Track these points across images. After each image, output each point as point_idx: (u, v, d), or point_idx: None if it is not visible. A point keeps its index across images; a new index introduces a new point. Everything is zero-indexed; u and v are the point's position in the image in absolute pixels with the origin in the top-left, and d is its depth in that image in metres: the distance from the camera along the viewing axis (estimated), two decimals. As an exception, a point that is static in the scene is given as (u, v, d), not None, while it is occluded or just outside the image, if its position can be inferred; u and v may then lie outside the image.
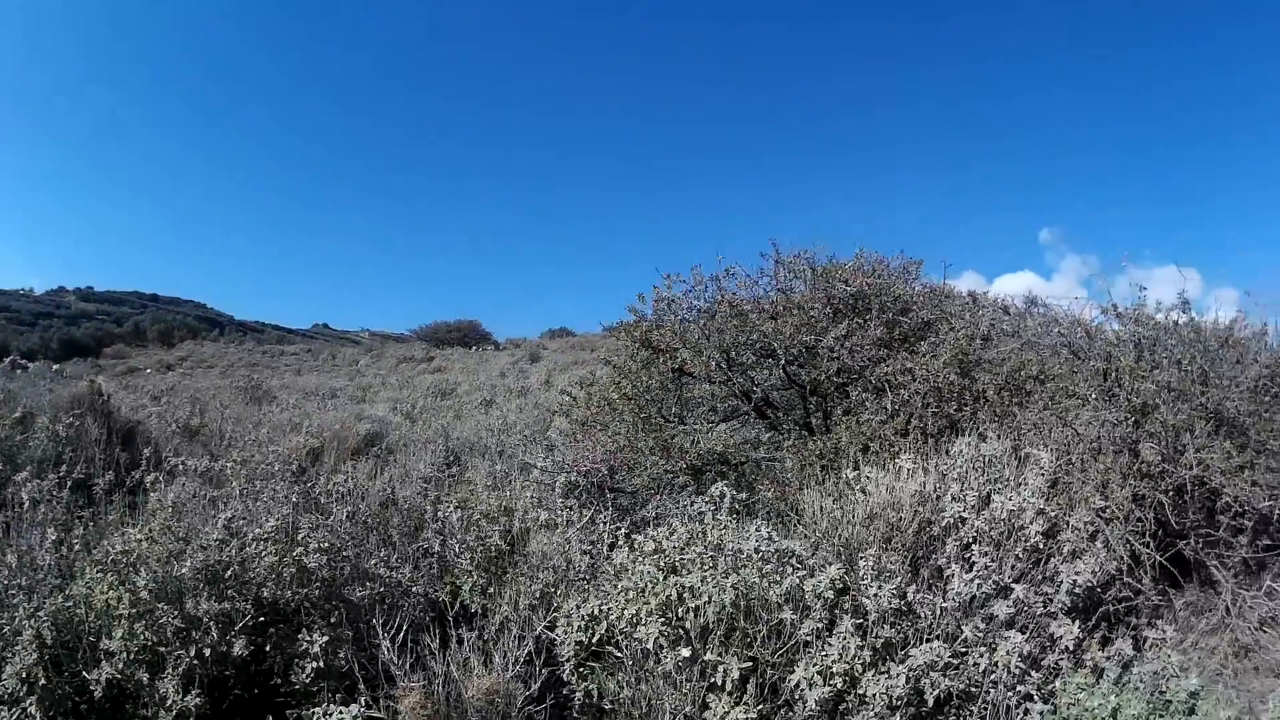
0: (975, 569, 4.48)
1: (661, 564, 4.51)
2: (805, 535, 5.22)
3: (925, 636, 4.35)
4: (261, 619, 4.61)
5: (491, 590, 5.03)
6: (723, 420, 8.09)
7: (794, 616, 4.26)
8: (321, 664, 4.41)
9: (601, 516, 5.70)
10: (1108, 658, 4.52)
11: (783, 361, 7.29)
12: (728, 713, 4.13)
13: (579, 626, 4.53)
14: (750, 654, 4.28)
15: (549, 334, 46.21)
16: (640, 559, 4.64)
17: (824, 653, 4.16)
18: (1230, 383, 5.88)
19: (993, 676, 4.32)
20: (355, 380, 27.18)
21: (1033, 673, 4.42)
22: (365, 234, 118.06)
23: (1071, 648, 4.48)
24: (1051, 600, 4.58)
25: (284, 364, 36.98)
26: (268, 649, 4.53)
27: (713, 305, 7.75)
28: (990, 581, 4.49)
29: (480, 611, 4.90)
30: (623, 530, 5.51)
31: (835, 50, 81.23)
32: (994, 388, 6.57)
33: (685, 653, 4.22)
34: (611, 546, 5.36)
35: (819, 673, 4.11)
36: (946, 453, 5.44)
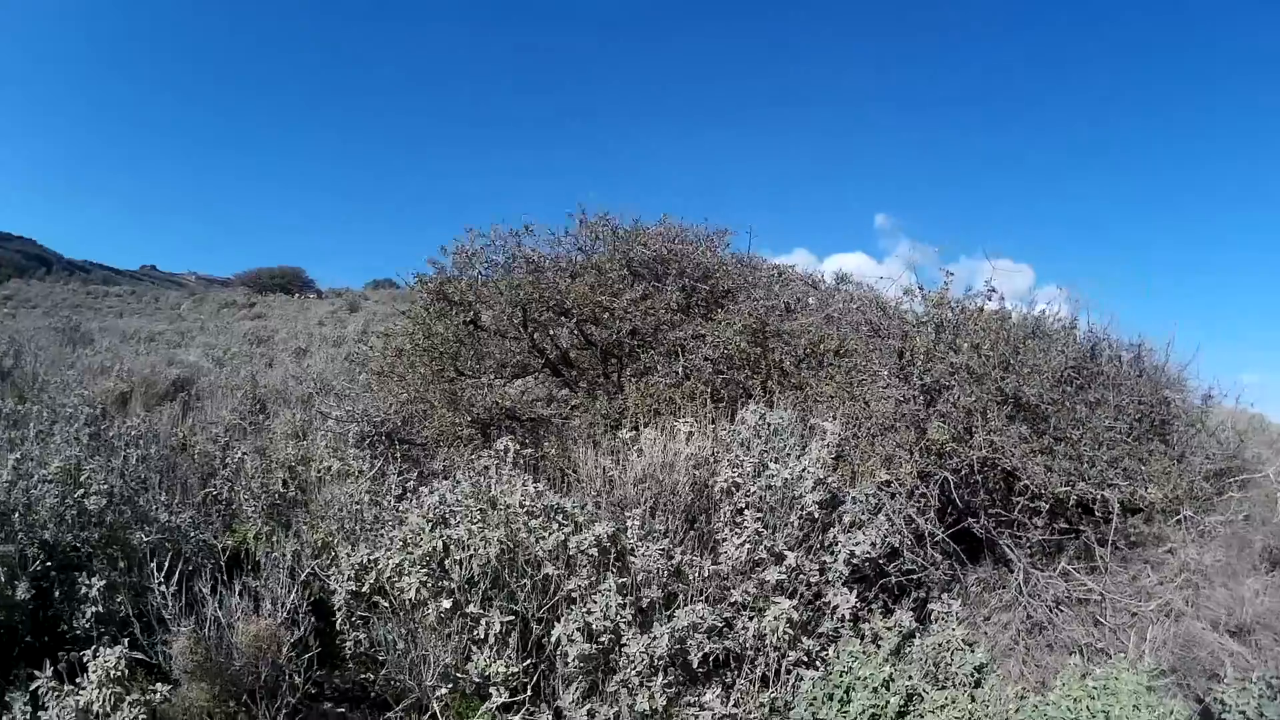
0: (746, 534, 4.47)
1: (430, 515, 4.43)
2: (583, 493, 5.17)
3: (693, 598, 4.35)
4: (48, 563, 4.50)
5: (276, 538, 4.96)
6: (516, 376, 8.04)
7: (558, 572, 4.24)
8: (101, 608, 4.33)
9: (391, 468, 5.63)
10: (888, 628, 4.54)
11: (575, 320, 7.26)
12: (489, 665, 4.10)
13: (349, 576, 4.46)
14: (514, 608, 4.25)
15: (372, 284, 45.17)
16: (411, 510, 4.58)
17: (586, 609, 4.12)
18: (1031, 371, 5.96)
19: (769, 641, 4.31)
20: (175, 324, 26.12)
21: (805, 639, 4.43)
22: (195, 175, 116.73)
23: (848, 616, 4.50)
24: (829, 569, 4.58)
25: (107, 306, 35.39)
26: (55, 594, 4.43)
27: (510, 261, 7.69)
28: (763, 547, 4.48)
29: (265, 559, 4.82)
30: (411, 482, 5.45)
31: (669, 14, 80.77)
32: (791, 359, 6.59)
33: (447, 604, 4.18)
34: (400, 498, 5.29)
35: (580, 629, 4.08)
36: (731, 419, 5.45)
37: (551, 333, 7.69)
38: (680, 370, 6.64)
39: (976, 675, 4.57)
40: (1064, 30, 66.67)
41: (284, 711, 4.15)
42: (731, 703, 4.32)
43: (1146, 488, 5.97)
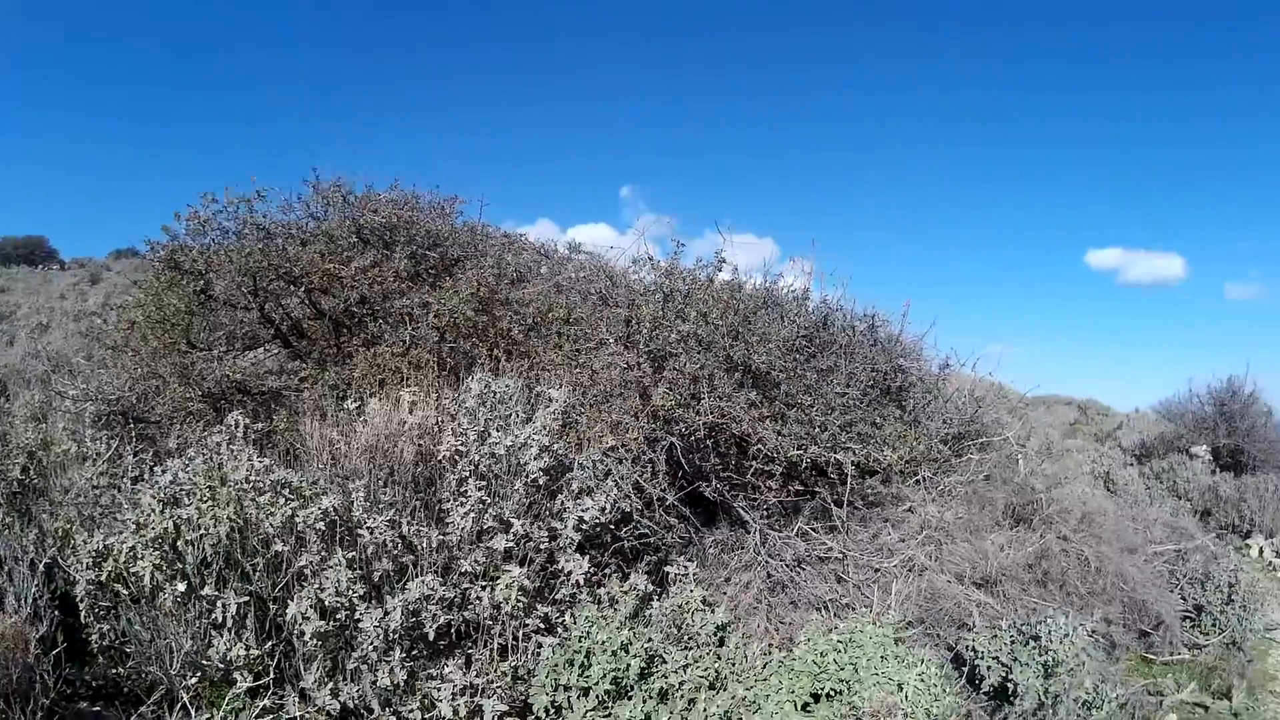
0: (470, 503, 4.57)
1: (162, 495, 4.38)
2: (313, 466, 5.17)
3: (424, 570, 4.44)
4: None
5: (16, 529, 4.90)
6: (248, 348, 7.85)
7: (289, 548, 4.27)
8: None
9: (128, 448, 5.57)
10: (624, 592, 4.73)
11: (304, 289, 7.17)
12: (229, 649, 4.11)
13: (88, 564, 4.37)
14: (250, 588, 4.27)
15: (115, 254, 42.78)
16: (144, 491, 4.51)
17: (318, 586, 4.17)
18: (761, 339, 6.23)
19: (505, 610, 4.45)
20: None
21: (541, 606, 4.59)
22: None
23: (583, 582, 4.66)
24: (560, 535, 4.74)
25: None
26: None
27: (242, 228, 7.42)
28: (490, 516, 4.61)
29: (5, 552, 4.73)
30: (148, 462, 5.40)
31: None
32: (520, 328, 6.73)
33: (181, 587, 4.16)
34: (136, 479, 5.20)
35: (313, 606, 4.13)
36: (457, 387, 5.57)
37: (283, 302, 7.55)
38: (407, 339, 6.65)
39: (719, 634, 4.80)
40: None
41: (39, 714, 4.00)
42: (473, 673, 4.41)
43: (881, 451, 6.36)
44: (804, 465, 6.23)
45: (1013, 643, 5.75)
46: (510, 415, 5.17)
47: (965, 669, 5.86)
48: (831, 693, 4.82)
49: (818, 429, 6.16)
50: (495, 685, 4.46)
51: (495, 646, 4.55)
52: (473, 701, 4.34)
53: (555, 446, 4.93)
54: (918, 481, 7.04)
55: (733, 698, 4.42)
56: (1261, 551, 13.40)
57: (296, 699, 4.30)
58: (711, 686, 4.52)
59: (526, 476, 4.76)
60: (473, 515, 4.57)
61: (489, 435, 4.86)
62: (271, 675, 4.26)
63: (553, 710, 4.29)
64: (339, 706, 4.29)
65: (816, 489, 6.56)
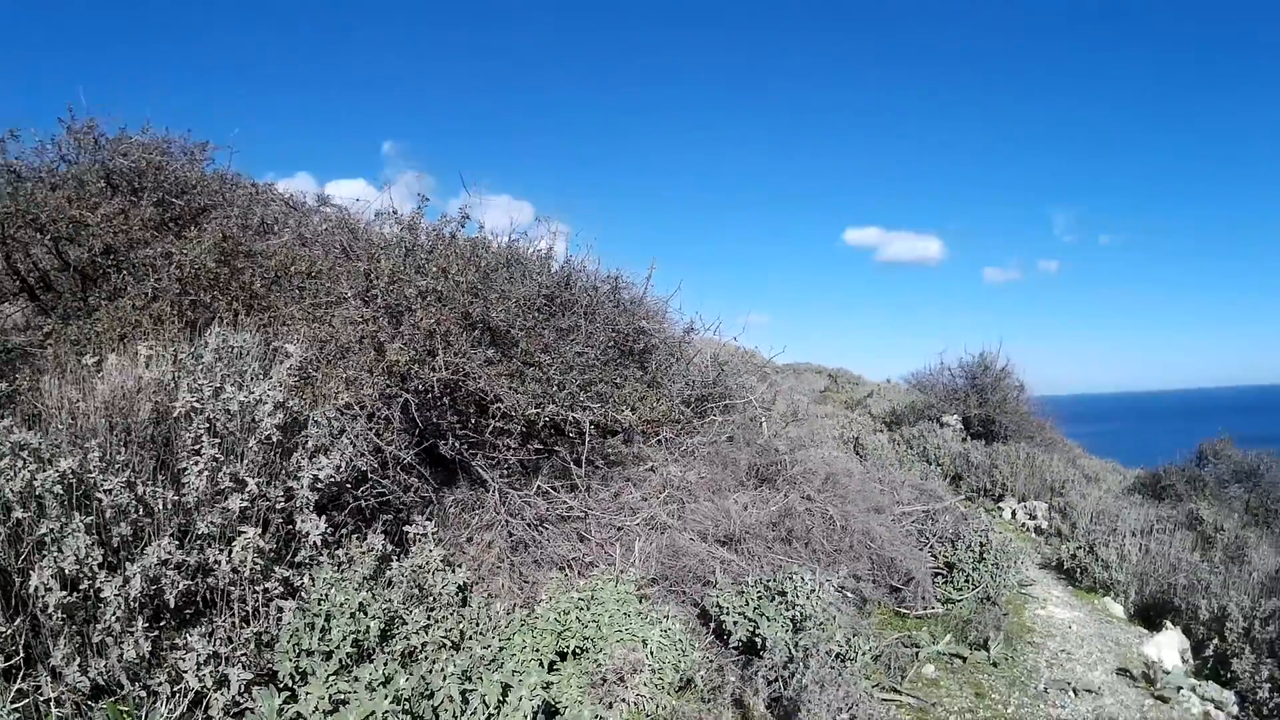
0: (204, 461, 4.63)
1: None
2: (54, 427, 4.96)
3: (161, 533, 4.49)
4: None
5: None
6: None
7: (29, 515, 4.21)
8: None
9: None
10: (362, 553, 4.92)
11: (50, 237, 6.96)
12: None
13: None
14: (-7, 561, 4.23)
15: None
16: None
17: (57, 552, 4.17)
18: (501, 297, 6.60)
19: (244, 575, 4.56)
20: None
21: (280, 569, 4.74)
22: None
23: (320, 543, 4.80)
24: (296, 495, 4.86)
25: None
26: None
27: None
28: (225, 474, 4.67)
29: None
30: None
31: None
32: (262, 281, 6.73)
33: None
34: None
35: (54, 576, 4.13)
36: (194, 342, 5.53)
37: (30, 252, 7.29)
38: (150, 291, 6.51)
39: (461, 594, 5.07)
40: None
41: None
42: (217, 641, 4.48)
43: (620, 411, 6.81)
44: (542, 424, 6.57)
45: (760, 598, 6.14)
46: (247, 371, 5.21)
47: (713, 625, 6.21)
48: (577, 650, 5.17)
49: (555, 388, 6.49)
50: (240, 653, 4.52)
51: (238, 613, 4.63)
52: (218, 671, 4.39)
53: (290, 403, 4.99)
54: (659, 442, 7.52)
55: (472, 657, 4.59)
56: (1014, 514, 14.56)
57: (49, 678, 4.24)
58: (454, 646, 4.71)
59: (261, 434, 4.81)
60: (207, 474, 4.60)
61: (224, 390, 4.87)
62: (22, 654, 4.19)
63: (297, 676, 4.37)
64: (88, 683, 4.27)
65: (556, 448, 6.93)
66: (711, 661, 5.94)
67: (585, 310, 7.51)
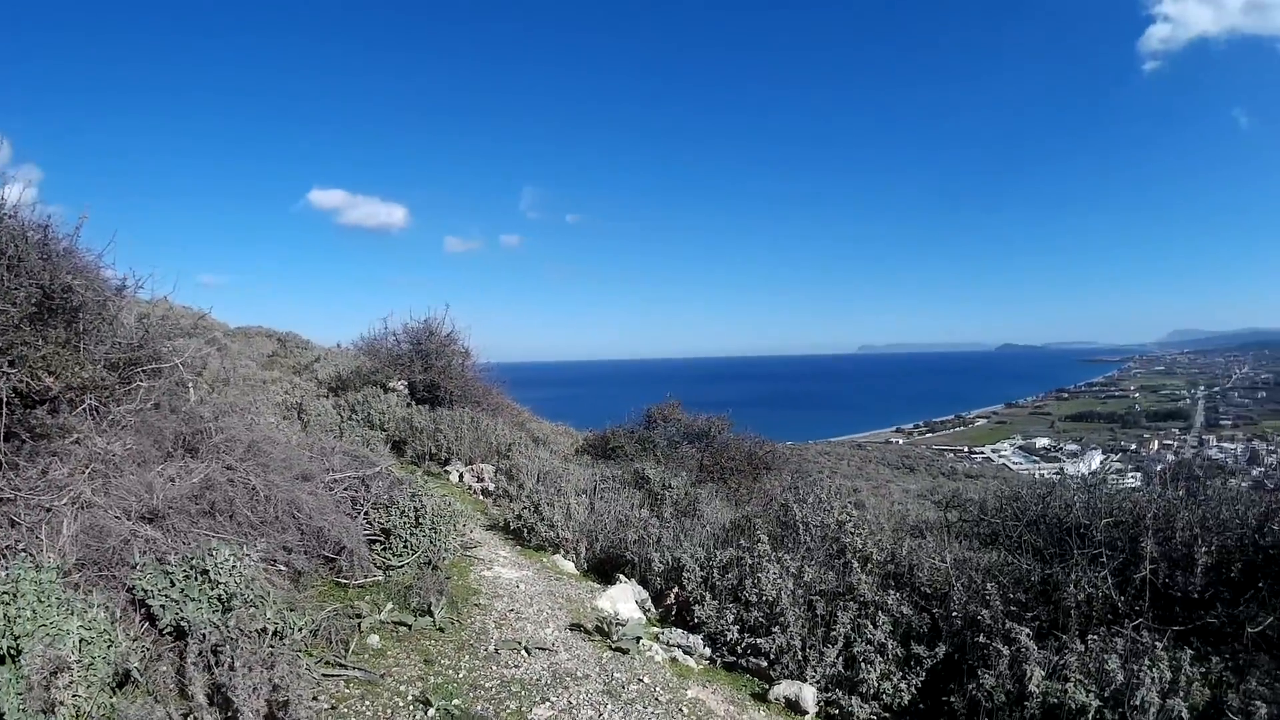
0: None
1: None
2: None
3: None
4: None
5: None
6: None
7: None
8: None
9: None
10: None
11: None
12: None
13: None
14: None
15: None
16: None
17: None
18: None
19: None
20: None
21: None
22: None
23: None
24: None
25: None
26: None
27: None
28: None
29: None
30: None
31: None
32: None
33: None
34: None
35: None
36: None
37: None
38: None
39: None
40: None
41: None
42: None
43: (40, 377, 6.37)
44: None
45: (185, 578, 5.94)
46: None
47: (143, 611, 5.86)
48: (12, 653, 4.74)
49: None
50: None
51: None
52: None
53: None
54: (85, 410, 7.07)
55: None
56: (461, 477, 15.04)
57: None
58: None
59: None
60: None
61: None
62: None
63: None
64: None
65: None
66: (148, 651, 5.64)
67: (10, 262, 6.82)
